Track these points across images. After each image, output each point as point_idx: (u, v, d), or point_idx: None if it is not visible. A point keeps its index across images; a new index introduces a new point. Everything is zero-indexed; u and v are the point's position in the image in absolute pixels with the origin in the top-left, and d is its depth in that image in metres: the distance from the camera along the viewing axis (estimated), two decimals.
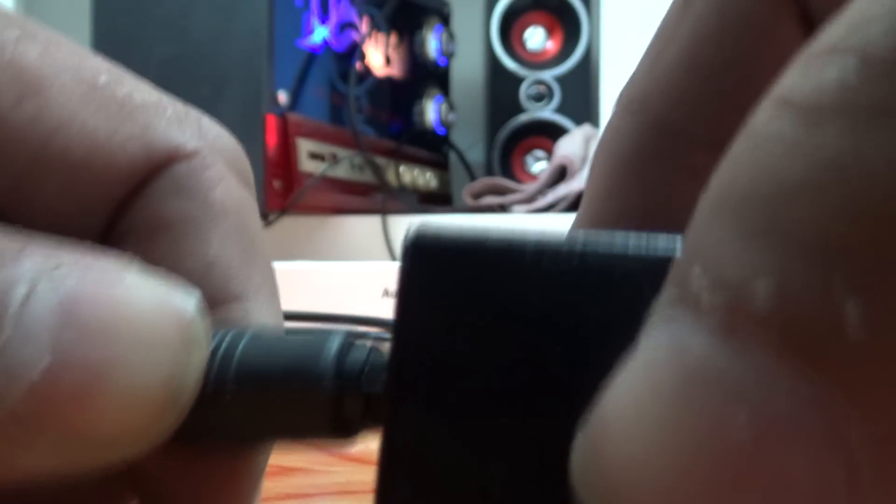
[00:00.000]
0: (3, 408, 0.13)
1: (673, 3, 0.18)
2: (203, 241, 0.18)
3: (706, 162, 0.18)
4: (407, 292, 0.13)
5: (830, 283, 0.08)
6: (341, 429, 0.15)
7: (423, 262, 0.13)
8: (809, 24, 0.17)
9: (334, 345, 0.15)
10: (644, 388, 0.09)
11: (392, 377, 0.13)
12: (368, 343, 0.15)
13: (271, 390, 0.15)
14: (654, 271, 0.10)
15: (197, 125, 0.19)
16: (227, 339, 0.15)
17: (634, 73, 0.19)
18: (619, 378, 0.10)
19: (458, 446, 0.13)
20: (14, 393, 0.13)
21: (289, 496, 0.29)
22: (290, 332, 0.16)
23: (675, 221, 0.15)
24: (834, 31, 0.09)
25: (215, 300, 0.18)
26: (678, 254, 0.10)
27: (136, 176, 0.18)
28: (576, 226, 0.19)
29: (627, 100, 0.19)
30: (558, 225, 1.17)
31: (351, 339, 0.15)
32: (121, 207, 0.18)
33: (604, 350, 0.11)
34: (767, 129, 0.09)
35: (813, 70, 0.09)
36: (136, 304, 0.14)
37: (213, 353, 0.15)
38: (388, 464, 0.13)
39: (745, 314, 0.09)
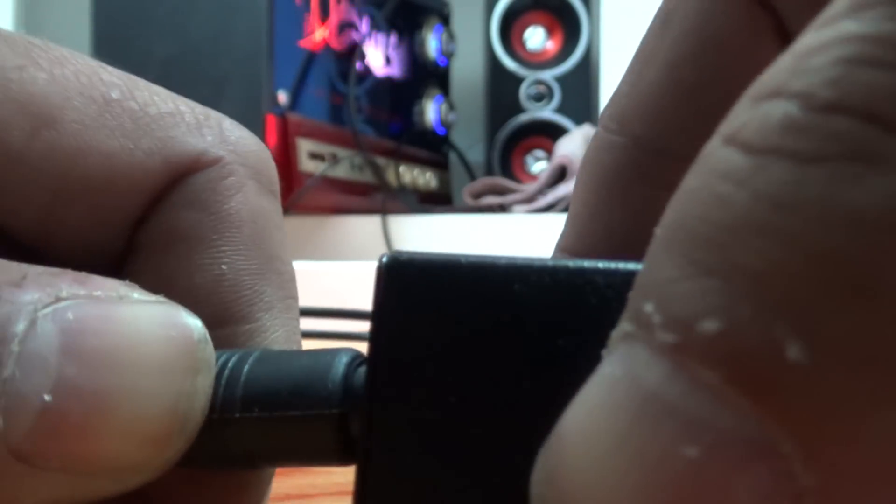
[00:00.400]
0: (6, 444, 0.13)
1: (651, 24, 0.18)
2: (214, 255, 0.17)
3: None
4: (382, 316, 0.13)
5: (772, 324, 0.08)
6: (349, 452, 0.15)
7: (398, 285, 0.13)
8: (787, 38, 0.17)
9: (341, 367, 0.15)
10: (599, 417, 0.09)
11: (367, 402, 0.13)
12: None
13: (278, 415, 0.15)
14: (622, 293, 0.10)
15: (218, 130, 0.18)
16: (233, 361, 0.15)
17: (615, 93, 0.19)
18: (576, 404, 0.10)
19: (431, 466, 0.13)
20: (17, 429, 0.13)
21: (289, 496, 0.29)
22: (296, 353, 0.15)
23: None
24: (780, 73, 0.09)
25: (223, 318, 0.17)
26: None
27: (156, 190, 0.17)
28: (560, 244, 0.19)
29: (608, 119, 0.19)
30: (558, 225, 1.16)
31: (358, 360, 0.15)
32: (141, 219, 0.18)
33: (575, 370, 0.11)
34: (715, 166, 0.09)
35: (759, 110, 0.09)
36: (137, 332, 0.14)
37: (218, 375, 0.15)
38: (363, 484, 0.13)
39: (694, 352, 0.09)
